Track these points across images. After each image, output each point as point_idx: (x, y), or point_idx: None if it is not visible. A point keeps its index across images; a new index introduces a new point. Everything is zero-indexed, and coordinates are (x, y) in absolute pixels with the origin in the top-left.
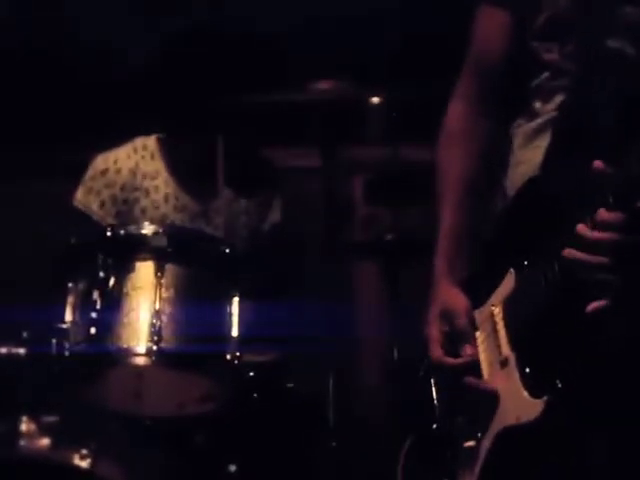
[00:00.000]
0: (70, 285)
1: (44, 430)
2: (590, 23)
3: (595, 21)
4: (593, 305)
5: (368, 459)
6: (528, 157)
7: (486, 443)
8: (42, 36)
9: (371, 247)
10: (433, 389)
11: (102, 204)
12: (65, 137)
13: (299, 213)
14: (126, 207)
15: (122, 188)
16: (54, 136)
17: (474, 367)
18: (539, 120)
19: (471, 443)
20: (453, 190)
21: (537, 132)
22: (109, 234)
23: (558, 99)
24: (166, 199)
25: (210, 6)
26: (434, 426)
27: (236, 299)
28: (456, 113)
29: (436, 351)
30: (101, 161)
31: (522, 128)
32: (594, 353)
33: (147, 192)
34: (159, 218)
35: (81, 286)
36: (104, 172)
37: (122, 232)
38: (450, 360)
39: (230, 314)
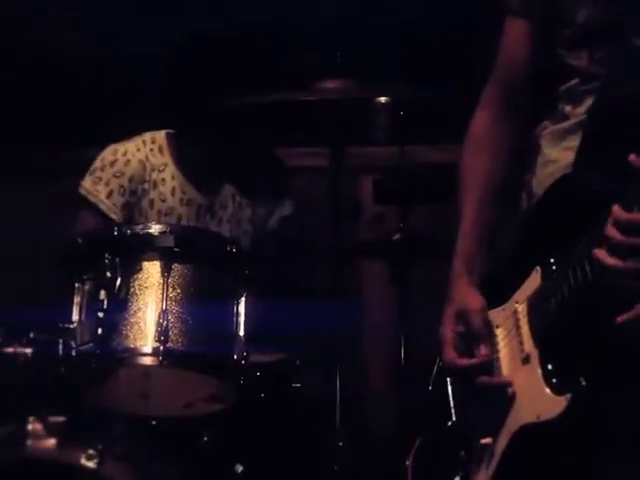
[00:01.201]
0: (77, 285)
1: (51, 430)
2: (621, 28)
3: (626, 26)
4: (622, 317)
5: (374, 460)
6: (557, 157)
7: (503, 440)
8: (42, 37)
9: (379, 246)
10: (449, 387)
11: (110, 194)
12: (66, 138)
13: (307, 213)
14: (134, 198)
15: (130, 179)
16: (54, 137)
17: (488, 367)
18: (569, 122)
19: (487, 440)
20: (475, 191)
21: (567, 133)
22: (116, 234)
23: (588, 102)
24: (173, 192)
25: (212, 8)
26: (449, 423)
27: (243, 299)
28: (482, 120)
29: (449, 353)
30: (110, 152)
31: (551, 129)
32: (620, 353)
33: (155, 184)
34: (166, 211)
35: (88, 286)
36: (113, 163)
37: (129, 232)
38: (463, 361)
39: (237, 314)
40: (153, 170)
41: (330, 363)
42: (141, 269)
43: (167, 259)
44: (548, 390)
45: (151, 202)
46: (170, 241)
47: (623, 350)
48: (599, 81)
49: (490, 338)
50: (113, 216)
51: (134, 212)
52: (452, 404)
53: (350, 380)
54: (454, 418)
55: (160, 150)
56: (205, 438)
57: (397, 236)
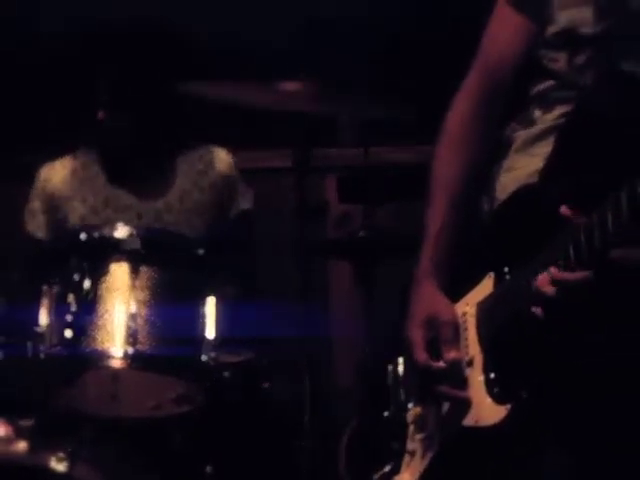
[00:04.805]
0: (44, 288)
1: (20, 434)
2: (609, 43)
3: (614, 42)
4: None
5: None
6: (523, 164)
7: (438, 438)
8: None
9: (344, 245)
10: (389, 378)
11: (33, 215)
12: (29, 140)
13: (273, 213)
14: (60, 214)
15: (51, 197)
16: (20, 138)
17: (454, 371)
18: (537, 128)
19: (422, 435)
20: (446, 193)
21: (535, 140)
22: (83, 237)
23: (559, 110)
24: (106, 202)
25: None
26: (385, 414)
27: (211, 300)
28: (459, 113)
29: (422, 355)
30: (40, 172)
31: (519, 134)
32: (565, 368)
33: (84, 198)
34: (101, 223)
35: (55, 289)
36: (37, 182)
37: (96, 235)
38: (439, 364)
39: (205, 315)
40: (82, 184)
41: (298, 363)
42: (108, 272)
43: (134, 262)
44: (489, 398)
45: (82, 217)
46: (137, 244)
47: (570, 364)
48: (575, 91)
49: (457, 343)
50: (39, 235)
51: (61, 228)
52: (391, 395)
53: (319, 379)
54: (391, 409)
55: (92, 162)
56: (175, 439)
57: (362, 235)
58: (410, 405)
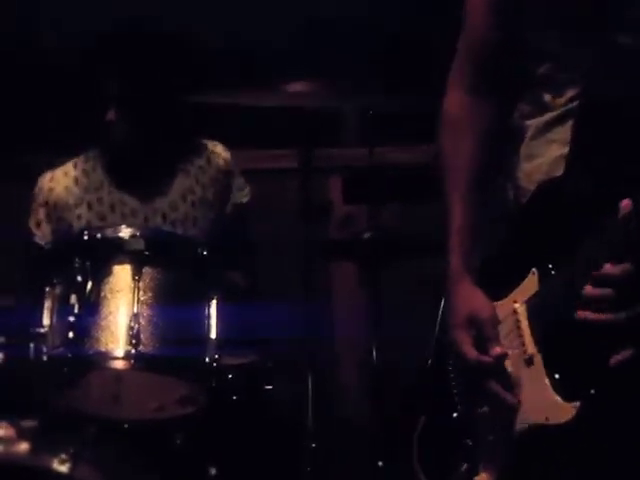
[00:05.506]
0: (47, 289)
1: (23, 435)
2: (599, 17)
3: (605, 16)
4: (617, 358)
5: (347, 460)
6: (543, 151)
7: (510, 438)
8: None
9: (348, 246)
10: (452, 380)
11: (38, 224)
12: (33, 141)
13: (277, 214)
14: (63, 224)
15: (55, 206)
16: (19, 138)
17: (500, 367)
18: (551, 114)
19: (494, 437)
20: (461, 182)
21: (550, 125)
22: (86, 238)
23: (569, 93)
24: (112, 208)
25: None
26: (454, 415)
27: (214, 301)
28: (455, 101)
29: (472, 352)
30: (40, 181)
31: (533, 121)
32: (629, 362)
33: (90, 205)
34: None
35: (58, 290)
36: (39, 192)
37: (99, 236)
38: (487, 358)
39: (208, 316)
40: (86, 192)
41: (302, 364)
42: (111, 273)
43: (137, 263)
44: (557, 396)
45: (88, 223)
46: (140, 244)
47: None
48: (578, 72)
49: (499, 340)
50: (47, 245)
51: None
52: (457, 396)
53: (322, 381)
54: (460, 409)
55: (94, 169)
56: (177, 441)
57: (366, 236)
58: (474, 406)
